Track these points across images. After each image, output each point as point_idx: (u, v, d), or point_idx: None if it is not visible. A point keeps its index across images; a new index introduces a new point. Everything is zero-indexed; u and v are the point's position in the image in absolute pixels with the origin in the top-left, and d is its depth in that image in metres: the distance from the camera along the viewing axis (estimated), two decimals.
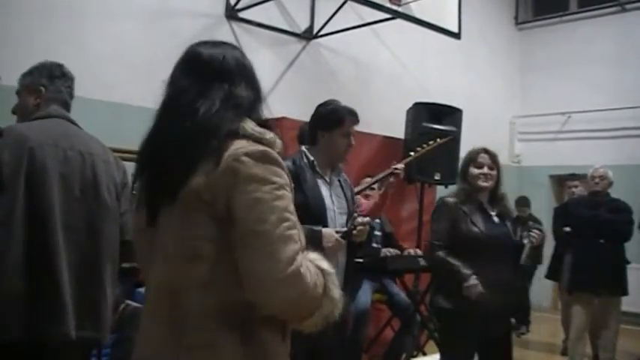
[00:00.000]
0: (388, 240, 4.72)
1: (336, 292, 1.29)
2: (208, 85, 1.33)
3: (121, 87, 4.73)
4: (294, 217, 1.26)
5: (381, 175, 3.60)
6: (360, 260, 4.26)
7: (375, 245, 4.54)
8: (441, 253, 3.01)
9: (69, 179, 2.00)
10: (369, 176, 4.08)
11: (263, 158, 1.26)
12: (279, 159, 1.29)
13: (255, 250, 1.20)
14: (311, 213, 2.49)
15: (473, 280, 2.87)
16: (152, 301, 1.33)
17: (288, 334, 1.35)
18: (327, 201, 2.66)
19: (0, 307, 1.84)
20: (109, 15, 4.79)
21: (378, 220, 4.46)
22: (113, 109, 4.60)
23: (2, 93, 2.32)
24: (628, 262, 4.73)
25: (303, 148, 2.72)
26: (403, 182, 5.00)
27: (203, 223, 1.24)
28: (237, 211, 1.22)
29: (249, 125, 1.31)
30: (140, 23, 5.00)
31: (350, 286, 3.87)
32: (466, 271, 2.90)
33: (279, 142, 1.35)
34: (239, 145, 1.26)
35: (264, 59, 5.73)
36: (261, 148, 1.27)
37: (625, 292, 4.64)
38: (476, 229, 2.95)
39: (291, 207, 1.27)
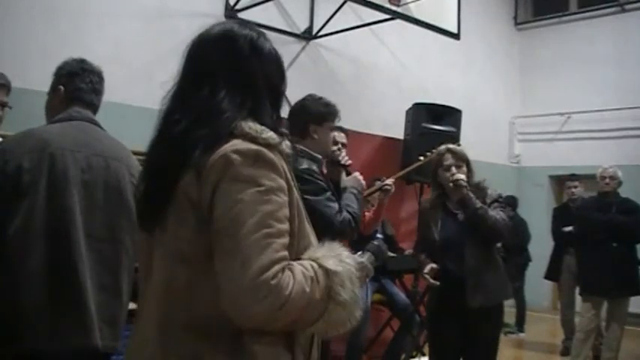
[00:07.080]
0: (389, 242, 4.71)
1: (345, 294, 1.19)
2: (208, 82, 1.27)
3: (121, 87, 4.71)
4: (281, 225, 1.16)
5: (368, 191, 3.54)
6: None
7: None
8: (422, 256, 3.13)
9: (91, 187, 1.95)
10: (377, 179, 4.06)
11: (255, 158, 1.18)
12: (274, 161, 1.20)
13: (227, 253, 1.12)
14: None
15: (428, 267, 2.97)
16: (146, 305, 1.28)
17: (297, 344, 1.24)
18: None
19: (20, 317, 1.79)
20: (109, 15, 4.79)
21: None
22: (113, 109, 4.57)
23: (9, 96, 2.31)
24: (639, 263, 4.68)
25: (301, 146, 2.62)
26: (402, 183, 5.00)
27: (188, 225, 1.19)
28: (216, 209, 1.15)
29: (248, 124, 1.22)
30: (140, 23, 5.00)
31: None
32: (425, 260, 3.04)
33: (285, 143, 1.27)
34: (231, 144, 1.19)
35: None
36: (254, 147, 1.19)
37: (637, 292, 4.59)
38: (432, 235, 3.06)
39: (281, 213, 1.16)
